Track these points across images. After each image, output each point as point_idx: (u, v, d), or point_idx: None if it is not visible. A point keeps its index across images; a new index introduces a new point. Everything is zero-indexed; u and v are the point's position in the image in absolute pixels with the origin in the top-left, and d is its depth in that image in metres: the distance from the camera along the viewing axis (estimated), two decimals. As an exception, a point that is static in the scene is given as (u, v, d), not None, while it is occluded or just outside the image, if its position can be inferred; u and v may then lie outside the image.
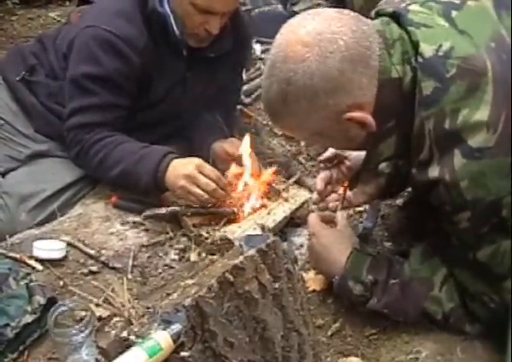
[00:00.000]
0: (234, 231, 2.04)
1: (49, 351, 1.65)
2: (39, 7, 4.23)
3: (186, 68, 2.28)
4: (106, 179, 2.24)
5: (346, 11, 1.50)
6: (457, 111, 1.40)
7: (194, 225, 2.07)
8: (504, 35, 1.46)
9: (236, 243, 1.69)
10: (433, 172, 1.45)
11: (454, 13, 1.50)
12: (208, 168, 2.04)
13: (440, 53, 1.43)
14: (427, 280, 1.65)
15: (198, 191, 2.00)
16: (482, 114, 1.39)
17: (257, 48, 3.35)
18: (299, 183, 2.34)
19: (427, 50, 1.45)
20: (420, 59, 1.45)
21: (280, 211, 2.14)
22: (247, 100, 2.90)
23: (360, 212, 2.21)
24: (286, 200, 2.22)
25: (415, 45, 1.46)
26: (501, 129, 1.38)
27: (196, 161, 2.05)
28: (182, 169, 2.03)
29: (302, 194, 2.26)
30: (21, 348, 1.64)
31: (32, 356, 1.64)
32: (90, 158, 2.18)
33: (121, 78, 2.15)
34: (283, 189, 2.27)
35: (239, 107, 2.78)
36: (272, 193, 2.23)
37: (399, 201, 2.27)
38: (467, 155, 1.40)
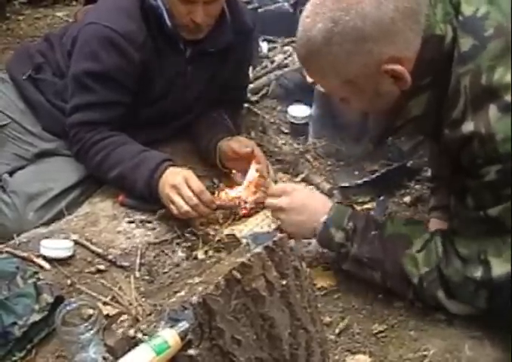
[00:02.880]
0: (241, 230, 2.04)
1: (57, 349, 1.65)
2: (46, 6, 4.25)
3: (186, 62, 2.27)
4: (103, 179, 2.24)
5: None
6: (493, 68, 1.42)
7: (201, 224, 2.08)
8: None
9: (243, 241, 1.69)
10: (468, 127, 1.46)
11: None
12: (195, 181, 2.02)
13: (478, 15, 1.47)
14: (406, 237, 1.70)
15: (180, 201, 1.99)
16: None
17: (264, 46, 3.35)
18: (306, 181, 2.34)
19: (467, 9, 1.48)
20: (460, 18, 1.48)
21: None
22: (254, 98, 2.89)
23: (368, 209, 2.21)
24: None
25: (456, 6, 1.49)
26: None
27: (185, 172, 2.04)
28: (171, 178, 2.03)
29: (309, 192, 2.26)
30: (29, 346, 1.64)
31: (39, 354, 1.65)
32: (90, 158, 2.19)
33: (121, 75, 2.15)
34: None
35: (246, 105, 2.77)
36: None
37: (407, 199, 2.27)
38: (503, 109, 1.41)
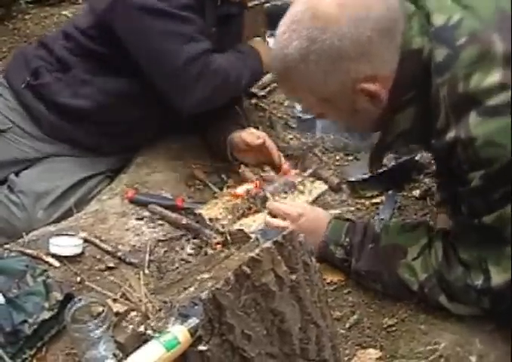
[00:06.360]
0: (250, 225, 2.03)
1: (67, 346, 1.66)
2: (52, 5, 4.23)
3: (212, 24, 2.29)
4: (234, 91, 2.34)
5: None
6: (469, 76, 1.41)
7: (210, 220, 2.07)
8: (506, 9, 1.47)
9: (252, 236, 1.69)
10: (450, 134, 1.45)
11: None
12: None
13: (450, 23, 1.46)
14: (400, 247, 1.70)
15: None
16: (494, 76, 1.40)
17: (271, 42, 3.33)
18: (315, 176, 2.33)
19: (438, 19, 1.48)
20: (432, 29, 1.47)
21: (296, 204, 2.13)
22: (261, 93, 2.88)
23: (377, 203, 2.20)
24: (302, 192, 2.21)
25: (428, 17, 1.48)
26: None
27: None
28: None
29: (318, 187, 2.26)
30: (39, 344, 1.65)
31: (50, 352, 1.66)
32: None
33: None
34: (299, 182, 2.26)
35: (253, 100, 2.77)
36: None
37: (416, 193, 2.26)
38: (483, 113, 1.40)
